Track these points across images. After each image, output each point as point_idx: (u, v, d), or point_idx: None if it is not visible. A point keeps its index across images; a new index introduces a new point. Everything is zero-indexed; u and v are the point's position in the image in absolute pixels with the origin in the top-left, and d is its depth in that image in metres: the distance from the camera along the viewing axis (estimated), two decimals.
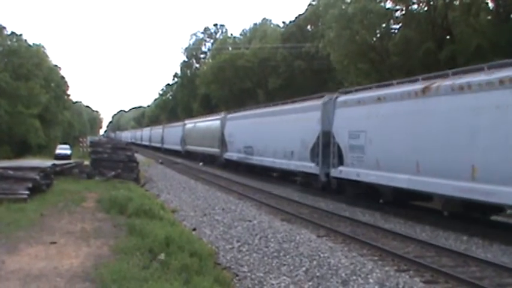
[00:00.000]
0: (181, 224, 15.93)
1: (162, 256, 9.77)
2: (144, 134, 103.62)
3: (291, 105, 28.83)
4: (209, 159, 46.51)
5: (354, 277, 10.39)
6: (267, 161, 30.68)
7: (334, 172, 22.30)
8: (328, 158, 22.89)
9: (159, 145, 78.65)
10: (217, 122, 43.39)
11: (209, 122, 47.21)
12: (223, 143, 41.16)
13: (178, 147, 61.75)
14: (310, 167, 24.56)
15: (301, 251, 12.57)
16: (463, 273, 10.65)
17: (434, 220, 16.76)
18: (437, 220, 16.70)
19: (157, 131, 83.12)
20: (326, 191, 23.66)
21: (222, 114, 43.73)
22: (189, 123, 57.56)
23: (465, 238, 14.41)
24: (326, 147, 23.06)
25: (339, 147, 22.00)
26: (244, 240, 14.02)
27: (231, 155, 38.67)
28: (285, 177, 30.38)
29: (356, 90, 22.38)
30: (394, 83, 19.64)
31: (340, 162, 21.88)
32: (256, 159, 32.90)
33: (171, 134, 68.67)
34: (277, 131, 29.17)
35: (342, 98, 22.68)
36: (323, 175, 23.41)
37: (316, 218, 17.76)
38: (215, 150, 43.47)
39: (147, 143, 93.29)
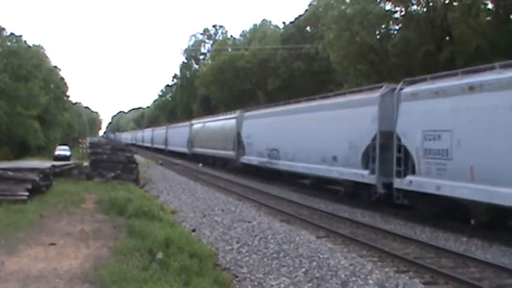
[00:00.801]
0: (181, 225, 15.91)
1: (160, 255, 9.77)
2: (146, 135, 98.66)
3: (334, 100, 23.82)
4: (222, 163, 43.15)
5: (354, 278, 10.38)
6: (299, 166, 26.24)
7: (400, 183, 17.68)
8: (387, 165, 18.46)
9: (162, 147, 74.77)
10: (232, 122, 39.11)
11: (222, 122, 42.85)
12: (239, 145, 37.00)
13: (184, 150, 57.93)
14: (361, 175, 20.09)
15: (300, 252, 12.56)
16: (462, 274, 10.64)
17: (434, 221, 16.74)
18: (437, 221, 16.68)
19: (160, 131, 78.15)
20: (382, 205, 19.68)
21: (237, 113, 39.14)
22: (197, 123, 53.89)
23: (465, 239, 14.40)
24: (385, 151, 18.71)
25: (406, 151, 17.55)
26: (243, 241, 14.01)
27: (250, 158, 34.44)
28: (320, 185, 26.77)
29: (432, 78, 17.39)
30: (496, 66, 14.79)
31: (408, 170, 17.51)
32: (283, 164, 28.49)
33: (176, 135, 64.65)
34: (313, 130, 24.44)
35: (410, 88, 17.90)
36: (380, 185, 19.06)
37: (315, 219, 17.75)
38: (229, 153, 39.45)
39: (149, 145, 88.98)
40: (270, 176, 31.70)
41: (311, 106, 26.04)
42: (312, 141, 24.63)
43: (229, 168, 40.24)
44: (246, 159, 35.53)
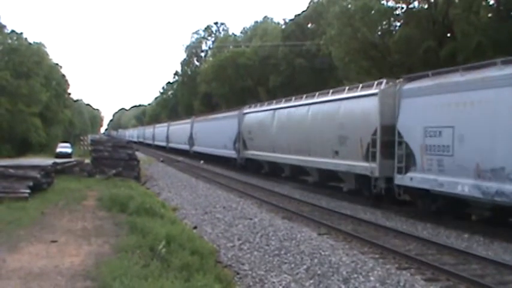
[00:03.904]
0: (182, 222, 15.93)
1: (161, 246, 9.80)
2: (158, 131, 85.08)
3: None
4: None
5: (355, 275, 10.39)
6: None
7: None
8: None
9: (186, 147, 57.92)
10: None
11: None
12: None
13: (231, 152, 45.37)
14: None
15: (302, 249, 12.56)
16: (464, 271, 10.63)
17: (436, 218, 16.73)
18: (438, 218, 16.68)
19: (183, 126, 62.67)
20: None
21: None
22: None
23: (466, 236, 14.39)
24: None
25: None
26: (245, 238, 14.02)
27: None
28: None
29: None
30: (497, 63, 14.72)
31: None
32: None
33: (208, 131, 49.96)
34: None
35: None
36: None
37: (317, 216, 17.74)
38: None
39: (164, 144, 76.05)
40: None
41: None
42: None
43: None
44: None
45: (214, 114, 48.96)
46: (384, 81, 20.03)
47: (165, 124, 77.62)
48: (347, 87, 23.35)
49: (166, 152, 69.54)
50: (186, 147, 56.66)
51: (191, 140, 53.98)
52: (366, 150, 19.82)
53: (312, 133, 24.72)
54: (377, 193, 19.56)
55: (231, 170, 37.71)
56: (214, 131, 43.96)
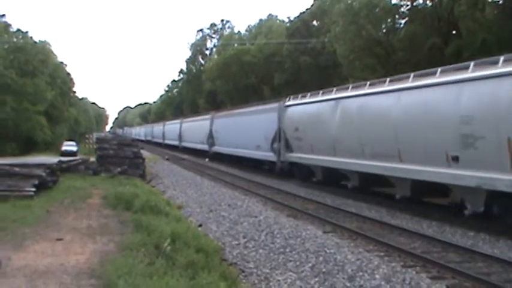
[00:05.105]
0: (188, 220, 15.94)
1: (166, 244, 9.82)
2: (169, 129, 76.65)
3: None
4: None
5: (360, 273, 10.37)
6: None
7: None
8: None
9: (204, 147, 50.63)
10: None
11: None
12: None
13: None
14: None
15: (307, 247, 12.55)
16: (469, 269, 10.59)
17: (441, 216, 16.70)
18: (444, 216, 16.64)
19: (200, 123, 53.35)
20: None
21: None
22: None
23: (472, 234, 14.35)
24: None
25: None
26: (250, 236, 14.01)
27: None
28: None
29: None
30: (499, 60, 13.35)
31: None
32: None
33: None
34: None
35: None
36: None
37: (322, 213, 17.71)
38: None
39: (175, 143, 68.69)
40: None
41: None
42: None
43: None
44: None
45: (241, 109, 40.83)
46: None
47: (177, 121, 70.38)
48: (472, 63, 15.62)
49: (180, 152, 62.54)
50: (203, 147, 49.67)
51: (211, 139, 47.04)
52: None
53: (406, 130, 17.84)
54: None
55: (236, 167, 37.60)
56: (242, 129, 36.80)
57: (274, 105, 31.16)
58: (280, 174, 29.79)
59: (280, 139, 29.40)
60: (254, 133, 33.34)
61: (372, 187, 21.62)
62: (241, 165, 37.88)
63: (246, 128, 35.50)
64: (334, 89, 24.46)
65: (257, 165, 34.99)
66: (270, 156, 30.89)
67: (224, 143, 42.32)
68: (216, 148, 45.11)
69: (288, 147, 28.68)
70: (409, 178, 17.80)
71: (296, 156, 27.61)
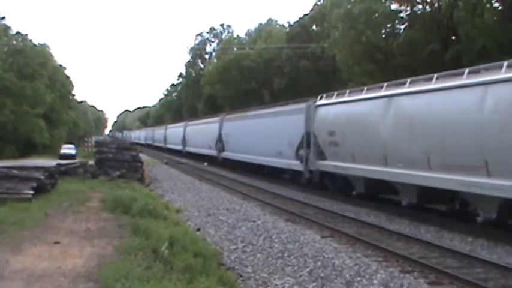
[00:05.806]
0: (186, 224, 15.93)
1: (164, 248, 9.80)
2: (172, 132, 72.43)
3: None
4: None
5: (358, 278, 10.35)
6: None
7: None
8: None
9: (212, 153, 46.21)
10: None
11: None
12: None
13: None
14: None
15: (305, 252, 12.54)
16: (467, 274, 10.58)
17: (439, 221, 16.68)
18: (442, 221, 16.63)
19: (207, 126, 48.94)
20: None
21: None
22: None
23: (470, 239, 14.34)
24: None
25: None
26: (248, 240, 14.00)
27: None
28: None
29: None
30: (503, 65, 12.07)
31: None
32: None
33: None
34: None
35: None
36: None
37: (320, 218, 17.70)
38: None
39: (179, 147, 64.52)
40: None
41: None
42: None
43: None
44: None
45: (257, 110, 36.36)
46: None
47: (181, 124, 65.29)
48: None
49: (186, 157, 58.24)
50: (211, 152, 45.31)
51: (220, 144, 43.15)
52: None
53: (497, 135, 13.90)
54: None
55: (234, 172, 37.55)
56: (258, 133, 32.76)
57: (301, 105, 27.06)
58: (308, 185, 26.00)
59: (309, 145, 25.22)
60: (274, 138, 29.57)
61: (428, 204, 18.60)
62: (248, 171, 35.42)
63: (264, 132, 31.55)
64: (385, 84, 20.04)
65: (276, 174, 31.65)
66: (295, 164, 26.91)
67: (236, 148, 38.33)
68: (226, 154, 41.38)
69: (320, 154, 24.28)
70: (497, 196, 14.00)
71: (331, 164, 23.14)
